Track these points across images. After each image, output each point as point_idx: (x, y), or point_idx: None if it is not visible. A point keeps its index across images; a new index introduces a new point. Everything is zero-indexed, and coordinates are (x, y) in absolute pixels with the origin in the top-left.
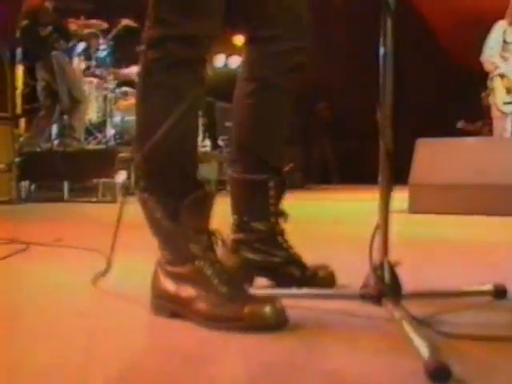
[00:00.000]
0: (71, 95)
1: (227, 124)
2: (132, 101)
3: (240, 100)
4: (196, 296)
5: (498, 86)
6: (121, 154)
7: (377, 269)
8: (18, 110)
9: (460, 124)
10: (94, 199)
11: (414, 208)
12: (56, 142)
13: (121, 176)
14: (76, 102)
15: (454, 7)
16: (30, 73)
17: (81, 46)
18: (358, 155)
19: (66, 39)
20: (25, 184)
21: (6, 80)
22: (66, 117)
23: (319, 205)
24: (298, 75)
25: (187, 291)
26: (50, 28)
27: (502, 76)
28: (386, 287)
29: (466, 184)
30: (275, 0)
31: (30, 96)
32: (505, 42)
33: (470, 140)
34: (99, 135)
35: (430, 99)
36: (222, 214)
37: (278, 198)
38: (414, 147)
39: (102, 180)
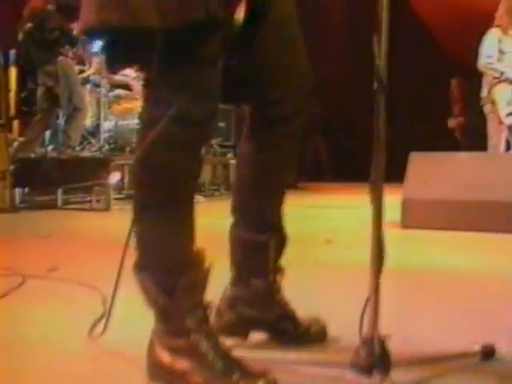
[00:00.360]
0: (71, 102)
1: (220, 125)
2: (126, 105)
3: (241, 160)
4: (191, 369)
5: (500, 97)
6: (114, 162)
7: (367, 342)
8: (12, 112)
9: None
10: (88, 206)
11: (407, 222)
12: (50, 149)
13: (114, 177)
14: (75, 110)
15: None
16: (27, 75)
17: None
18: (351, 152)
19: (72, 44)
20: (19, 190)
21: None
22: (62, 123)
23: (311, 215)
24: (299, 136)
25: (183, 364)
26: (57, 33)
27: (501, 75)
28: (375, 360)
29: (458, 200)
30: (274, 63)
31: (27, 99)
32: (500, 51)
33: (464, 155)
34: (93, 140)
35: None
36: (213, 222)
37: (278, 255)
38: (408, 161)
39: (96, 187)
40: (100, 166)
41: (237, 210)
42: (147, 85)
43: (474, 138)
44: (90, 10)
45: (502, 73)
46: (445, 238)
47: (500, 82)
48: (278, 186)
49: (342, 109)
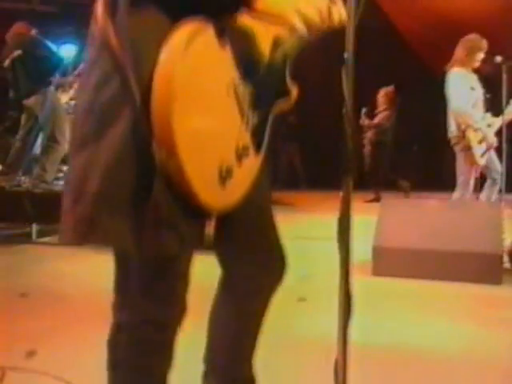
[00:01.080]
0: (53, 135)
1: None
2: None
3: (216, 325)
4: None
5: (473, 139)
6: None
7: None
8: None
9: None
10: None
11: (378, 270)
12: (23, 180)
13: None
14: (54, 142)
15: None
16: (8, 102)
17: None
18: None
19: (61, 72)
20: None
21: None
22: (37, 152)
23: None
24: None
25: None
26: (47, 61)
27: (476, 130)
28: None
29: (428, 249)
30: (247, 241)
31: (9, 128)
32: (472, 88)
33: (435, 202)
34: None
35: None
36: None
37: None
38: (380, 207)
39: None
40: None
41: (208, 363)
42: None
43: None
44: (67, 226)
45: (474, 122)
46: (413, 290)
47: (472, 129)
48: (253, 340)
49: (317, 116)
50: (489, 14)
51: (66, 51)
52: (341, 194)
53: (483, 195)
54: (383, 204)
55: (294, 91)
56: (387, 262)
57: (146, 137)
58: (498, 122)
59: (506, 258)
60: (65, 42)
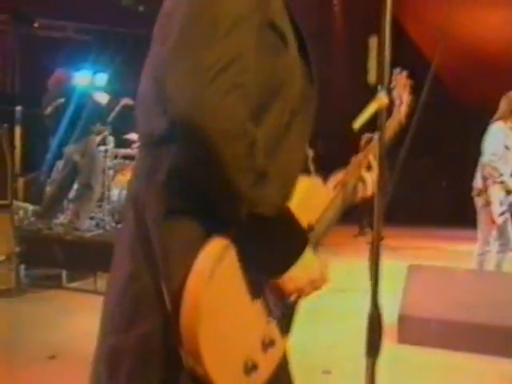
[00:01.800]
0: (88, 182)
1: None
2: (129, 176)
3: None
4: None
5: (495, 195)
6: None
7: None
8: (17, 170)
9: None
10: (92, 288)
11: (403, 338)
12: (57, 227)
13: None
14: (88, 188)
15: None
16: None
17: None
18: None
19: (103, 122)
20: (24, 270)
21: (5, 165)
22: (72, 201)
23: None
24: None
25: None
26: (89, 110)
27: (502, 182)
28: None
29: (455, 320)
30: None
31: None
32: (506, 147)
33: (463, 271)
34: (96, 211)
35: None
36: None
37: None
38: (407, 273)
39: (99, 272)
40: (105, 250)
41: None
42: None
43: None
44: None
45: (500, 175)
46: (438, 361)
47: (495, 182)
48: None
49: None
50: None
51: (99, 80)
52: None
53: (492, 263)
54: (410, 271)
55: None
56: (413, 330)
57: (175, 337)
58: None
59: None
60: (98, 71)
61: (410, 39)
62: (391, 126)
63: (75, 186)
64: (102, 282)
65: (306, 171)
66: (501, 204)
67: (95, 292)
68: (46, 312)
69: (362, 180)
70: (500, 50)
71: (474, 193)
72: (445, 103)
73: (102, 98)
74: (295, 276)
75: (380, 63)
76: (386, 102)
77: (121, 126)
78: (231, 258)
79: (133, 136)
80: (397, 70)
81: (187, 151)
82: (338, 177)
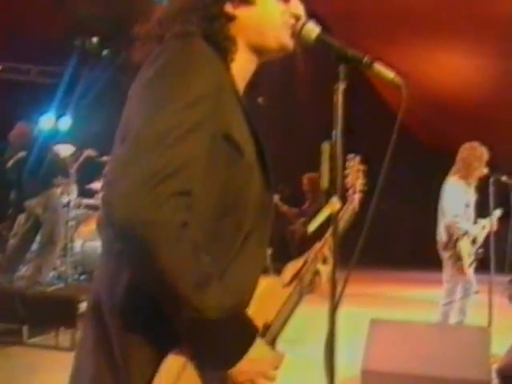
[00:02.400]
0: (50, 236)
1: None
2: (93, 227)
3: None
4: None
5: (464, 250)
6: (82, 305)
7: None
8: None
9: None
10: (54, 343)
11: None
12: (19, 281)
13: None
14: (51, 243)
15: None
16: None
17: None
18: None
19: (65, 174)
20: None
21: None
22: (34, 255)
23: None
24: None
25: None
26: (51, 163)
27: (465, 233)
28: None
29: (415, 374)
30: None
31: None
32: (466, 205)
33: (422, 326)
34: (58, 264)
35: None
36: None
37: None
38: (369, 328)
39: (62, 327)
40: (67, 306)
41: None
42: None
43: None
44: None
45: (466, 231)
46: None
47: (460, 236)
48: None
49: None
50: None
51: (63, 123)
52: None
53: (456, 309)
54: (372, 326)
55: None
56: None
57: None
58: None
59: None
60: (62, 115)
61: (372, 86)
62: (345, 215)
63: (37, 239)
64: (64, 337)
65: (264, 270)
66: (469, 255)
67: (57, 348)
68: (6, 369)
69: (317, 273)
70: (461, 94)
71: (439, 246)
72: (406, 145)
73: (67, 150)
74: (244, 369)
75: (332, 168)
76: (339, 206)
77: (84, 176)
78: (188, 375)
79: (96, 185)
80: (351, 156)
81: (129, 259)
82: (294, 266)
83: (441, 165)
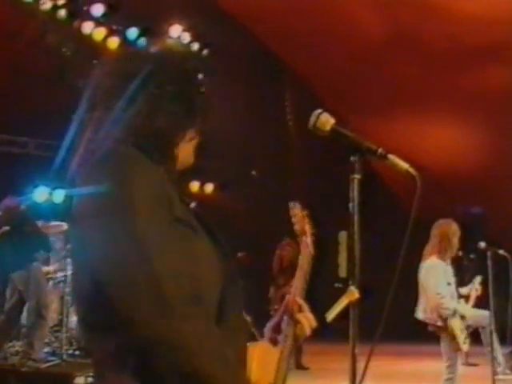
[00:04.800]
0: (38, 310)
1: None
2: None
3: None
4: None
5: (456, 324)
6: (77, 380)
7: None
8: None
9: None
10: None
11: None
12: (12, 358)
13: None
14: (40, 318)
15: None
16: None
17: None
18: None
19: (46, 249)
20: None
21: None
22: (25, 332)
23: None
24: None
25: None
26: (33, 237)
27: (454, 312)
28: None
29: None
30: None
31: None
32: (448, 284)
33: None
34: (53, 339)
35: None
36: None
37: None
38: None
39: None
40: (63, 382)
41: None
42: None
43: None
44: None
45: (454, 311)
46: None
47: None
48: None
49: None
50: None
51: (57, 196)
52: None
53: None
54: None
55: None
56: None
57: None
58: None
59: None
60: (57, 187)
61: (380, 178)
62: (304, 260)
63: (25, 315)
64: None
65: (251, 336)
66: (461, 331)
67: None
68: None
69: (298, 322)
70: (447, 167)
71: (431, 328)
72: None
73: (63, 227)
74: None
75: (350, 258)
76: (357, 296)
77: None
78: None
79: None
80: (290, 204)
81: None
82: (272, 324)
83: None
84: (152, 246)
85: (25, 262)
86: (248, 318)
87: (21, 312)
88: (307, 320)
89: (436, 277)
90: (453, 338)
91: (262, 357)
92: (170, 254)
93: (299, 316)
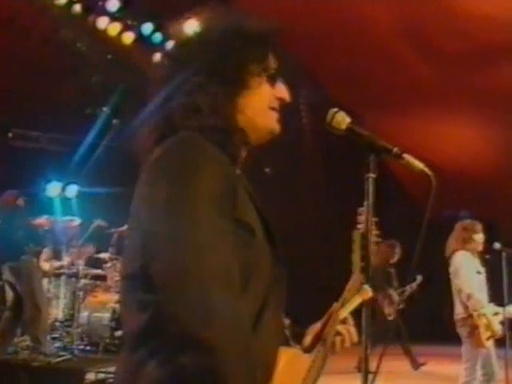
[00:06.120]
0: (34, 302)
1: None
2: (101, 297)
3: None
4: None
5: (481, 323)
6: (88, 376)
7: None
8: None
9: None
10: None
11: None
12: (20, 354)
13: None
14: (38, 311)
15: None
16: None
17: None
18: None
19: (36, 242)
20: None
21: None
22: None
23: None
24: None
25: None
26: (21, 232)
27: (483, 314)
28: None
29: None
30: None
31: None
32: (478, 272)
33: None
34: (64, 334)
35: None
36: None
37: None
38: None
39: None
40: (74, 377)
41: None
42: None
43: None
44: None
45: (482, 306)
46: None
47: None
48: None
49: None
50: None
51: (70, 191)
52: None
53: None
54: None
55: None
56: None
57: None
58: (498, 318)
59: None
60: (69, 183)
61: (395, 177)
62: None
63: (24, 310)
64: None
65: (285, 341)
66: (486, 329)
67: None
68: None
69: (338, 334)
70: (462, 166)
71: (458, 324)
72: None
73: (75, 223)
74: None
75: (364, 257)
76: (370, 295)
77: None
78: None
79: (104, 255)
80: (359, 209)
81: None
82: (314, 329)
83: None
84: (207, 243)
85: (14, 254)
86: (287, 321)
87: (20, 307)
88: (349, 333)
89: (465, 267)
90: (476, 328)
91: (289, 363)
92: (222, 253)
93: (341, 328)
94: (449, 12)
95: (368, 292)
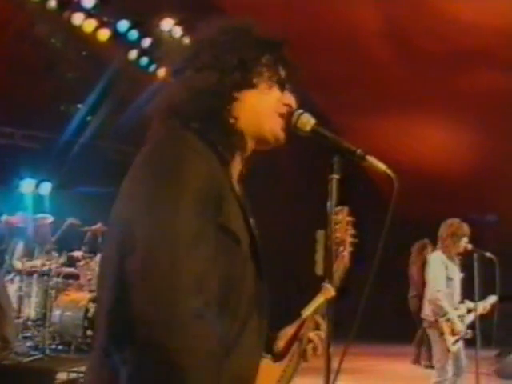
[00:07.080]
0: None
1: None
2: (73, 296)
3: None
4: None
5: (446, 330)
6: (59, 375)
7: None
8: None
9: None
10: None
11: None
12: None
13: None
14: (1, 310)
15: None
16: None
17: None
18: None
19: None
20: None
21: None
22: None
23: None
24: None
25: None
26: None
27: (448, 320)
28: None
29: None
30: None
31: None
32: (448, 278)
33: None
34: (36, 333)
35: None
36: None
37: None
38: None
39: None
40: (44, 377)
41: None
42: None
43: None
44: None
45: (445, 313)
46: None
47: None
48: None
49: None
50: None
51: (43, 189)
52: None
53: None
54: None
55: None
56: None
57: None
58: (469, 317)
59: None
60: (43, 180)
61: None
62: (337, 273)
63: None
64: None
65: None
66: (451, 334)
67: None
68: None
69: (310, 341)
70: (440, 169)
71: (426, 325)
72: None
73: (47, 220)
74: None
75: (326, 257)
76: (333, 294)
77: (65, 244)
78: None
79: (77, 254)
80: (338, 208)
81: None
82: (287, 334)
83: (421, 238)
84: (183, 246)
85: None
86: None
87: None
88: (321, 341)
89: (435, 270)
90: (441, 334)
91: (259, 376)
92: (198, 259)
93: (313, 335)
94: (428, 14)
95: (330, 291)
